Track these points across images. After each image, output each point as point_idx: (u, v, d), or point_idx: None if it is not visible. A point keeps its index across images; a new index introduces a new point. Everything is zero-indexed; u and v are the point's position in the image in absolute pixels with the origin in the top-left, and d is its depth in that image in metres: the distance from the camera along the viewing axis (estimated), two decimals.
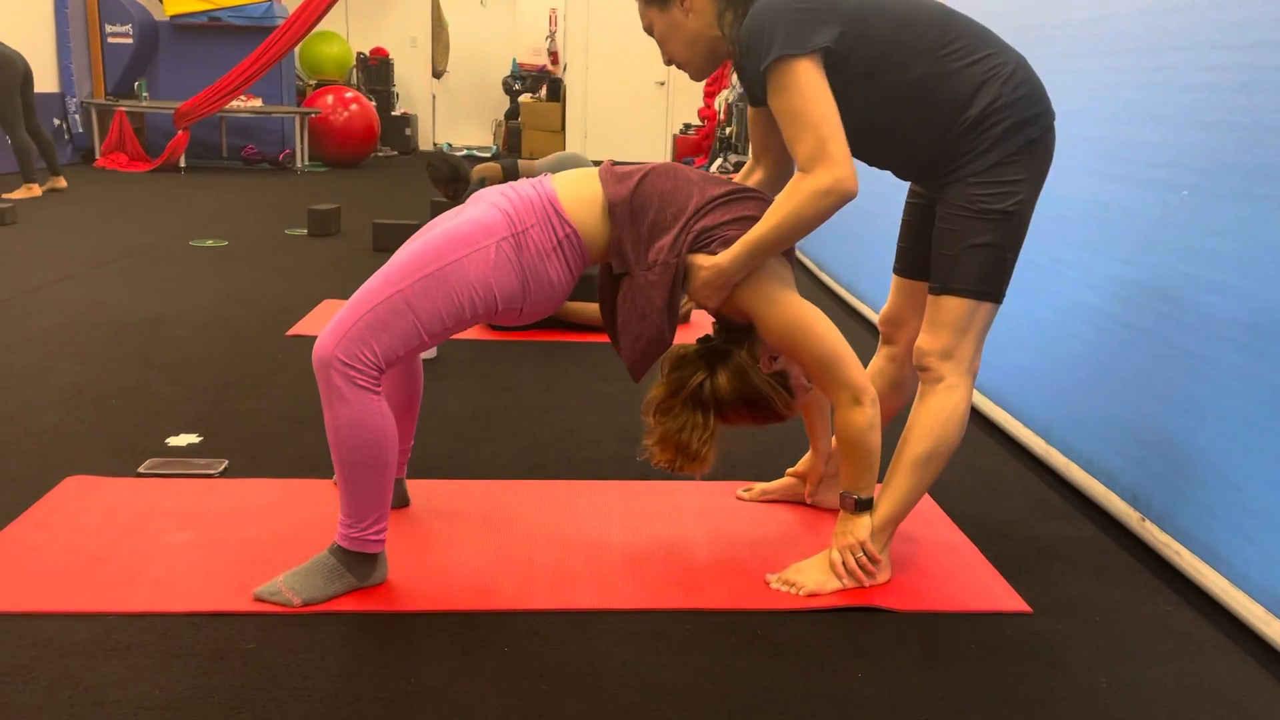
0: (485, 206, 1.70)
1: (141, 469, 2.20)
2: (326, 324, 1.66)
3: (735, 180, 1.89)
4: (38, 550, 1.82)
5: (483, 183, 4.64)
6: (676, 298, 1.73)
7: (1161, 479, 1.97)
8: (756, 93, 1.78)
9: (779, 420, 1.82)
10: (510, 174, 4.65)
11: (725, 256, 1.68)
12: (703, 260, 1.70)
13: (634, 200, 1.71)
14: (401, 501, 2.06)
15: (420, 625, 1.64)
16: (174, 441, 2.38)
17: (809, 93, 1.63)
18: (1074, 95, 2.61)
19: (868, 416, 1.73)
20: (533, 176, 1.82)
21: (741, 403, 1.77)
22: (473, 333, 3.51)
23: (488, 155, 10.02)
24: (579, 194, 1.73)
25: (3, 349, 3.06)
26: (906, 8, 1.70)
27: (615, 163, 1.80)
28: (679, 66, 1.85)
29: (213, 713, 1.40)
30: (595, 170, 1.77)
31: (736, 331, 1.80)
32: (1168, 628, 1.74)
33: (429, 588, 1.76)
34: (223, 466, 2.23)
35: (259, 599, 1.68)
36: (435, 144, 12.37)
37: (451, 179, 4.84)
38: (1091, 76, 2.58)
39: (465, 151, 11.41)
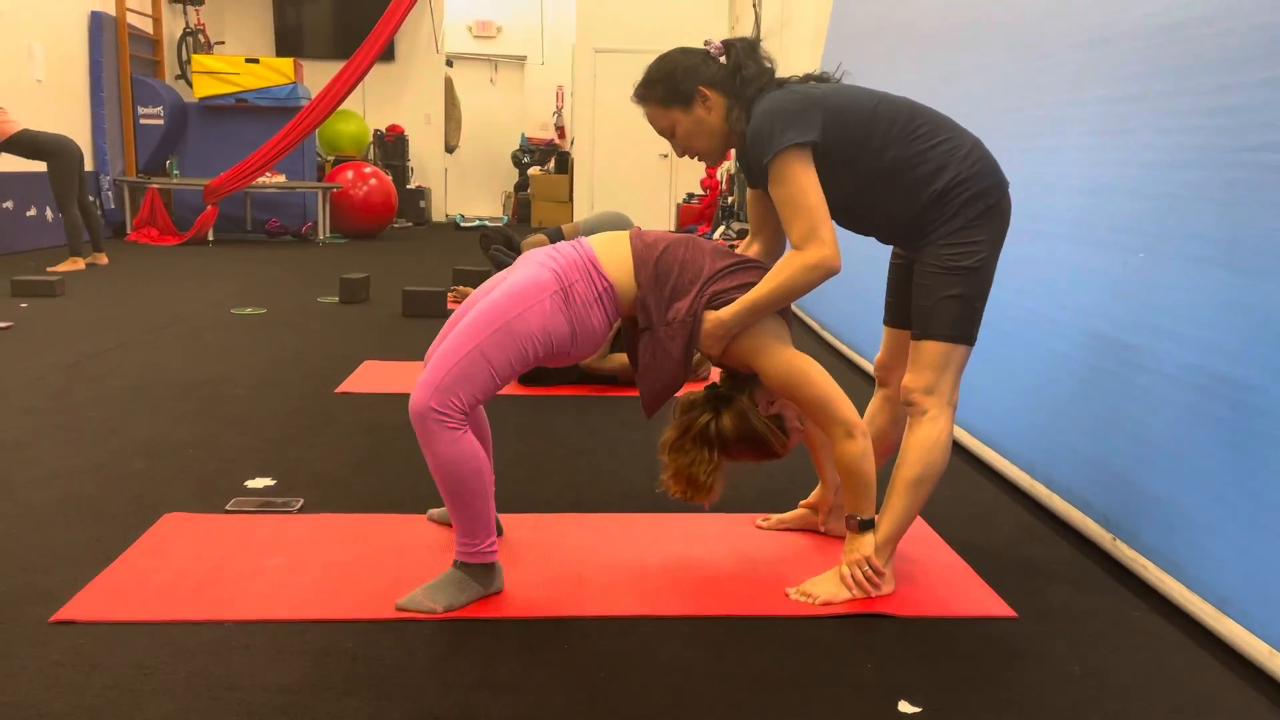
0: (535, 266, 2.02)
1: (229, 506, 2.49)
2: (413, 381, 1.96)
3: (738, 251, 2.22)
4: (153, 572, 2.10)
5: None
6: (691, 349, 2.05)
7: (1128, 503, 2.25)
8: (755, 177, 2.11)
9: (776, 457, 2.12)
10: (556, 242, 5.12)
11: (727, 312, 2.00)
12: (709, 315, 2.02)
13: (659, 266, 2.04)
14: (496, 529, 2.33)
15: (489, 629, 1.92)
16: (252, 484, 2.67)
17: (803, 182, 1.97)
18: (1050, 170, 2.96)
19: (859, 447, 2.03)
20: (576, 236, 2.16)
21: (743, 441, 2.07)
22: (507, 389, 3.81)
23: (500, 224, 10.43)
24: (613, 254, 2.05)
25: (82, 406, 3.36)
26: (876, 102, 2.04)
27: (640, 230, 2.13)
28: (697, 157, 2.17)
29: (328, 695, 1.67)
30: (627, 234, 2.10)
31: (740, 380, 2.12)
32: (1135, 628, 2.01)
33: (493, 600, 2.03)
34: (299, 504, 2.52)
35: (401, 609, 1.96)
36: (448, 215, 12.82)
37: (504, 245, 5.36)
38: (1064, 154, 2.92)
39: (477, 222, 11.83)
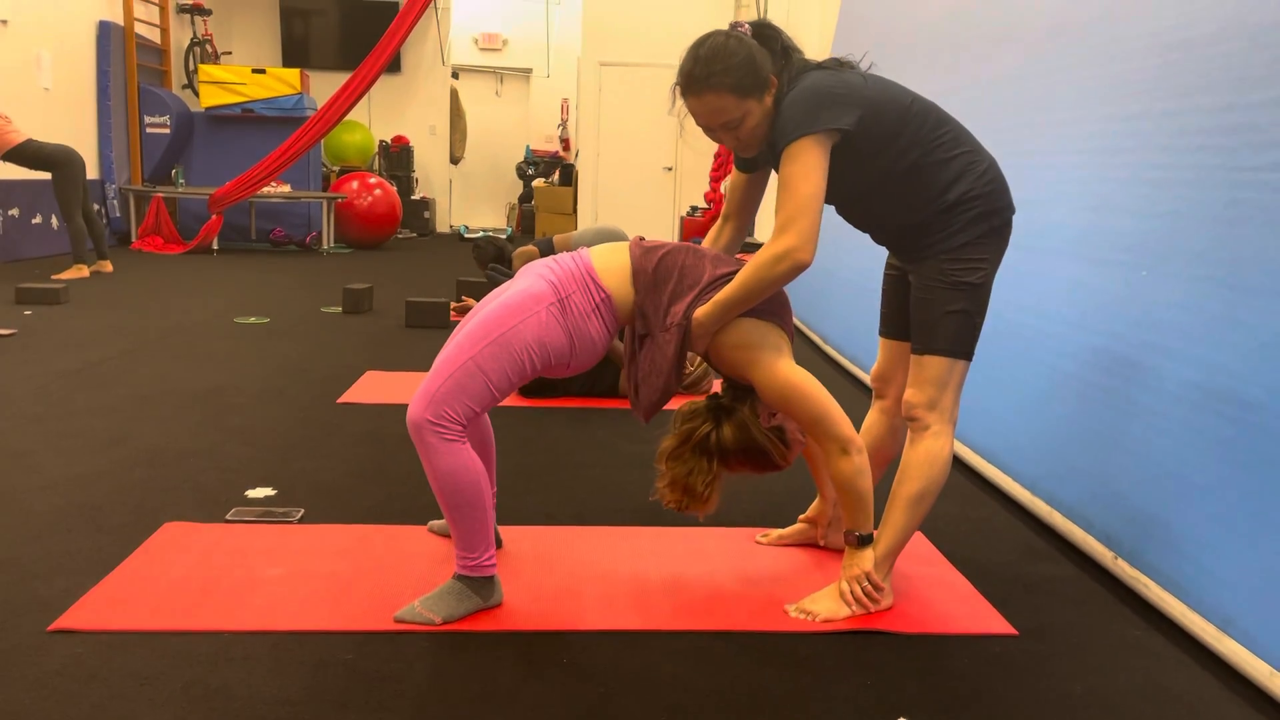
0: (533, 278, 2.01)
1: (229, 516, 2.49)
2: (414, 391, 1.96)
3: (708, 241, 2.25)
4: (153, 582, 2.09)
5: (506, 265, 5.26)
6: (683, 353, 2.03)
7: (1130, 521, 2.25)
8: (759, 162, 2.08)
9: (776, 469, 2.10)
10: (546, 254, 5.11)
11: (702, 310, 1.98)
12: (694, 315, 2.00)
13: (657, 272, 2.02)
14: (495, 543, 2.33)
15: (489, 642, 1.91)
16: (253, 494, 2.67)
17: (808, 169, 1.91)
18: (1053, 186, 2.96)
19: (854, 464, 2.01)
20: (570, 249, 2.15)
21: (742, 452, 2.05)
22: (509, 400, 3.81)
23: (503, 236, 10.46)
24: (611, 264, 2.04)
25: (86, 414, 3.37)
26: (910, 100, 2.02)
27: (642, 239, 2.12)
28: (748, 148, 2.04)
29: (324, 708, 1.66)
30: (626, 244, 2.09)
31: (742, 390, 2.10)
32: (1136, 647, 2.00)
33: (493, 612, 2.03)
34: (300, 514, 2.52)
35: (400, 621, 1.95)
36: (452, 226, 12.85)
37: (496, 260, 5.38)
38: (1068, 171, 2.92)
39: (481, 233, 11.85)
